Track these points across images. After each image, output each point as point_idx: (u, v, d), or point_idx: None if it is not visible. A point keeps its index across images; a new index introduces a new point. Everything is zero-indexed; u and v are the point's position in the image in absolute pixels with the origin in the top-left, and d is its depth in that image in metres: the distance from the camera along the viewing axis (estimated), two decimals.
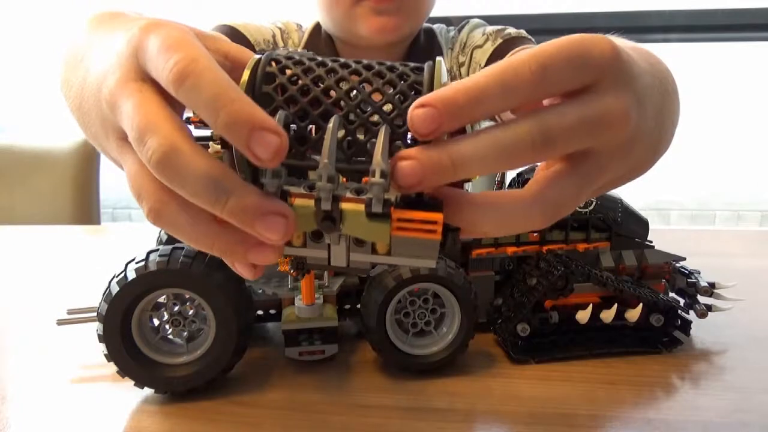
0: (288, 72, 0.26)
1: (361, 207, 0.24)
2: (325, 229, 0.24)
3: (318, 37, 0.86)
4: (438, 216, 0.24)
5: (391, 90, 0.25)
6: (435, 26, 0.91)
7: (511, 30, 0.85)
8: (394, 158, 0.23)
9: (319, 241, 0.25)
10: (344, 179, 0.25)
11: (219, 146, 0.47)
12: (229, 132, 0.23)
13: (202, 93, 0.23)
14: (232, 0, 1.81)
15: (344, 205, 0.24)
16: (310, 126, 0.25)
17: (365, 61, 0.26)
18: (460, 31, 0.89)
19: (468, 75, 0.86)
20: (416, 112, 0.23)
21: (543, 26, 1.67)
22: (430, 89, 0.24)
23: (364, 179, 0.23)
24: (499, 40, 0.83)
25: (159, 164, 0.24)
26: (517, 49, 0.80)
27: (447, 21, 0.96)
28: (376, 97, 0.25)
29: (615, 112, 0.26)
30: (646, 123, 0.29)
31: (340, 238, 0.25)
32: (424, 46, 0.86)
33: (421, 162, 0.23)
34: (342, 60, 0.26)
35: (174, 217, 0.25)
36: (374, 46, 0.80)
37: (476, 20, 0.91)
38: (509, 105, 0.25)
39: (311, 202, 0.24)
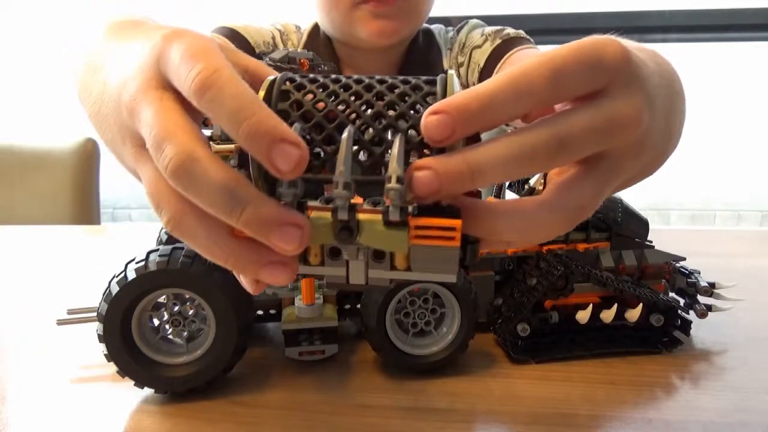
0: (303, 90, 0.26)
1: (378, 216, 0.24)
2: (343, 240, 0.24)
3: (317, 38, 0.86)
4: (456, 222, 0.24)
5: (405, 102, 0.25)
6: (433, 26, 0.91)
7: (510, 30, 0.85)
8: (410, 168, 0.23)
9: (337, 259, 0.25)
10: (361, 199, 0.25)
11: (221, 146, 0.47)
12: (250, 143, 0.23)
13: (225, 104, 0.23)
14: (233, 0, 1.81)
15: (361, 215, 0.24)
16: (328, 146, 0.25)
17: (378, 76, 0.27)
18: (458, 31, 0.89)
19: (467, 75, 0.86)
20: (429, 119, 0.23)
21: (543, 26, 1.67)
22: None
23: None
24: (498, 41, 0.83)
25: (175, 172, 0.24)
26: (516, 49, 0.80)
27: (446, 21, 0.96)
28: (391, 109, 0.25)
29: (628, 114, 0.26)
30: (656, 123, 0.29)
31: (358, 252, 0.25)
32: (422, 46, 0.86)
33: (437, 171, 0.23)
34: (355, 76, 0.27)
35: (192, 229, 0.25)
36: (373, 48, 0.80)
37: (475, 21, 0.91)
38: (522, 111, 0.25)
39: (328, 214, 0.24)
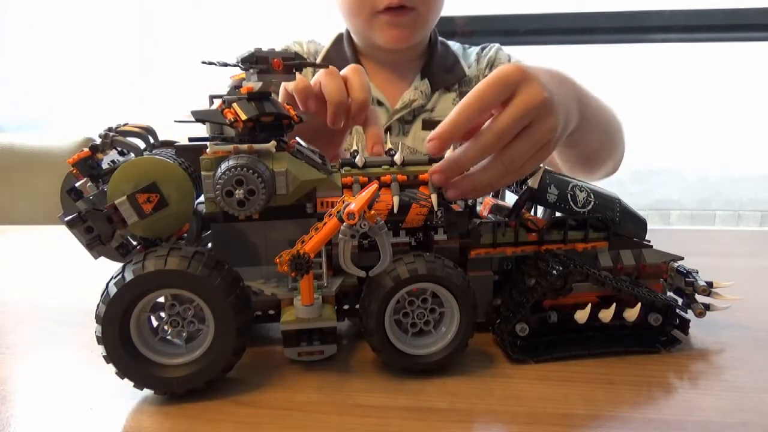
0: None
1: None
2: None
3: (341, 46, 0.98)
4: None
5: None
6: (449, 42, 1.04)
7: None
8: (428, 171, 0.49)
9: None
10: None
11: (218, 146, 0.47)
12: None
13: None
14: (236, 1, 1.81)
15: None
16: None
17: None
18: (483, 49, 1.04)
19: None
20: (428, 145, 0.48)
21: (543, 26, 1.67)
22: None
23: None
24: None
25: None
26: None
27: (450, 21, 0.99)
28: None
29: (532, 96, 0.47)
30: (555, 96, 0.49)
31: None
32: (441, 53, 1.00)
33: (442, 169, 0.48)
34: None
35: None
36: (393, 51, 0.92)
37: (498, 46, 1.04)
38: (470, 125, 0.48)
39: None
